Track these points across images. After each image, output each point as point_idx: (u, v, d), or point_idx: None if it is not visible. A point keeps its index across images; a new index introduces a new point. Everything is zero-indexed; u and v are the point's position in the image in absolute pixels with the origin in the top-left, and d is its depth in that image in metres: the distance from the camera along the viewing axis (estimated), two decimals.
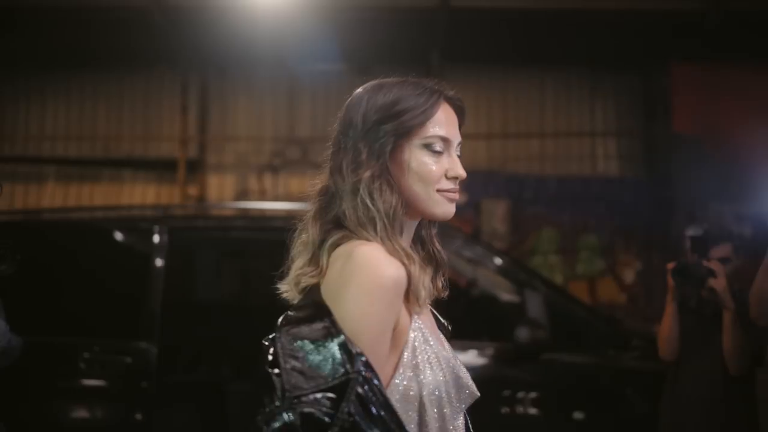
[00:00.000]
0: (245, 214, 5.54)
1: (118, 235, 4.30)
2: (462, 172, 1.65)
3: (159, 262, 4.14)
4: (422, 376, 1.50)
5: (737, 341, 3.32)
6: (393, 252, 1.52)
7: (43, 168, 9.79)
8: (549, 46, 9.10)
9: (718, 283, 3.35)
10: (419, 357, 1.51)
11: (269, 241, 4.47)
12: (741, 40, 8.50)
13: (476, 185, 9.45)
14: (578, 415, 4.24)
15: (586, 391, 4.33)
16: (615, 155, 9.91)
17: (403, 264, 1.51)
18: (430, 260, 1.71)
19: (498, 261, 4.92)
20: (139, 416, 3.97)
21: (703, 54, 8.97)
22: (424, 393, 1.50)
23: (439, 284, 1.71)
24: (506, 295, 5.03)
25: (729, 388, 3.36)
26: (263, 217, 5.02)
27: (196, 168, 9.66)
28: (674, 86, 9.43)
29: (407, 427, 1.44)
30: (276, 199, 9.60)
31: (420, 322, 1.56)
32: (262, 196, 9.66)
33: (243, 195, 9.70)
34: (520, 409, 4.20)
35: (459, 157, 1.69)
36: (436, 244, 1.75)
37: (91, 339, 4.01)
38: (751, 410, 3.36)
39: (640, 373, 4.33)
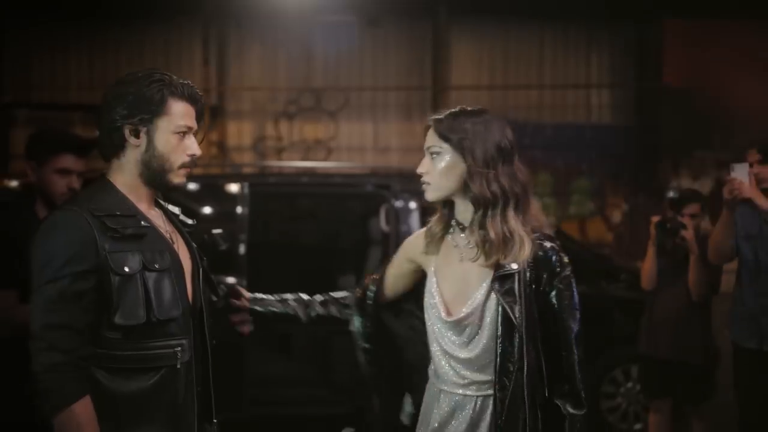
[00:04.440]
0: (309, 171, 6.86)
1: (212, 188, 5.60)
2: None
3: (244, 211, 5.46)
4: None
5: (699, 276, 4.68)
6: None
7: (69, 114, 10.85)
8: (548, 1, 10.21)
9: (688, 234, 4.71)
10: None
11: (329, 194, 5.78)
12: None
13: None
14: None
15: (582, 315, 5.81)
16: (608, 105, 11.21)
17: None
18: None
19: None
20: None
21: (694, 10, 10.12)
22: None
23: None
24: None
25: (692, 310, 4.75)
26: (324, 174, 6.31)
27: (215, 115, 10.82)
28: (665, 40, 10.67)
29: None
30: (292, 144, 10.91)
31: None
32: (279, 142, 10.93)
33: (260, 140, 10.96)
34: None
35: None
36: None
37: None
38: (707, 326, 4.79)
39: (625, 301, 5.83)
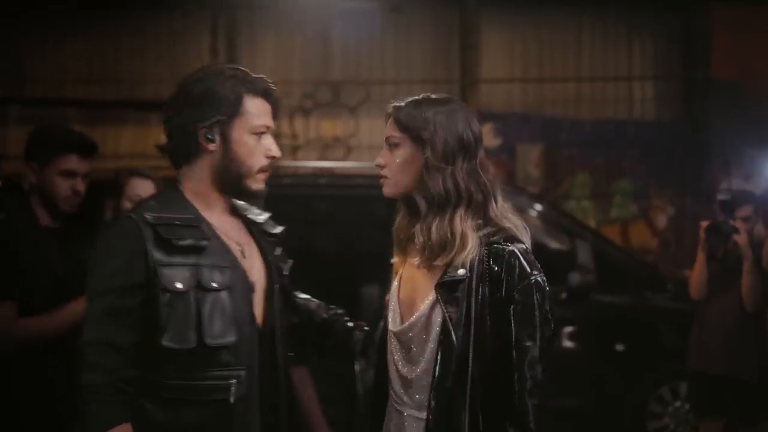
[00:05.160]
0: (327, 171, 6.95)
1: None
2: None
3: None
4: None
5: (754, 285, 4.74)
6: None
7: (66, 111, 10.92)
8: None
9: (741, 239, 4.76)
10: None
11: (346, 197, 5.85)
12: None
13: (511, 129, 10.81)
14: (620, 347, 5.82)
15: (627, 326, 5.91)
16: (652, 98, 11.24)
17: None
18: None
19: (539, 208, 6.40)
20: None
21: None
22: None
23: None
24: (553, 242, 6.46)
25: (745, 321, 4.80)
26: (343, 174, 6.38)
27: None
28: (714, 28, 10.68)
29: None
30: (308, 142, 11.01)
31: None
32: (294, 140, 11.02)
33: (274, 138, 11.04)
34: (568, 344, 5.74)
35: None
36: None
37: None
38: (762, 339, 4.83)
39: (672, 312, 5.89)
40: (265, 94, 2.35)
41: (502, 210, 2.36)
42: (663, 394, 5.87)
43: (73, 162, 3.30)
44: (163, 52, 11.09)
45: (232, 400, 2.22)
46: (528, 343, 2.22)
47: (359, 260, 6.14)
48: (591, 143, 11.07)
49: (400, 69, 11.10)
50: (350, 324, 2.65)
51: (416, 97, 2.40)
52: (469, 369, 2.22)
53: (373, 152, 10.45)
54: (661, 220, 11.32)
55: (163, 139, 2.39)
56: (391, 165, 2.37)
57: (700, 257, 4.95)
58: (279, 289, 2.43)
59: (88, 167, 3.37)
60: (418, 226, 2.36)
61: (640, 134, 11.11)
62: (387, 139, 2.39)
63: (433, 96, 2.41)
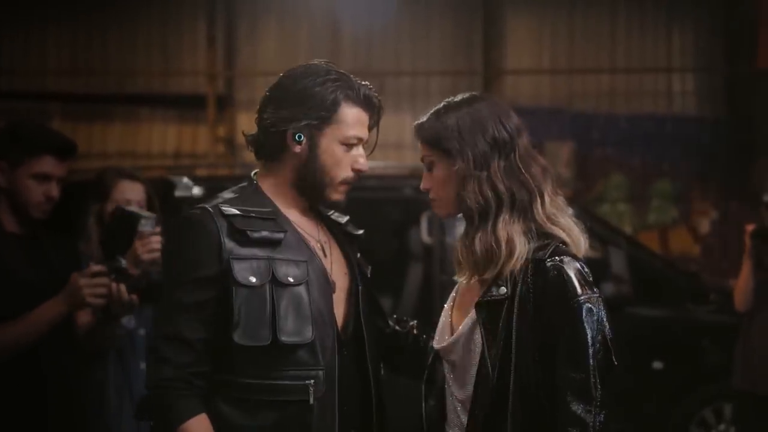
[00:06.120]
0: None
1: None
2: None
3: None
4: None
5: None
6: None
7: (48, 105, 10.97)
8: None
9: None
10: None
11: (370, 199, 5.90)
12: None
13: (538, 125, 10.78)
14: (657, 365, 5.85)
15: (665, 342, 5.94)
16: (693, 92, 11.26)
17: None
18: None
19: (569, 212, 6.46)
20: None
21: None
22: None
23: None
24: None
25: None
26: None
27: (223, 106, 10.97)
28: (760, 17, 10.65)
29: None
30: None
31: None
32: None
33: None
34: None
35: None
36: None
37: None
38: None
39: (716, 326, 5.93)
40: (366, 104, 2.43)
41: (552, 211, 2.33)
42: (706, 416, 5.91)
43: (48, 164, 3.23)
44: (155, 40, 11.14)
45: (309, 401, 2.30)
46: (576, 375, 2.15)
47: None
48: (626, 141, 11.10)
49: (417, 59, 11.13)
50: (424, 338, 2.66)
51: (437, 107, 2.43)
52: (509, 400, 2.20)
53: (387, 151, 10.62)
54: (704, 225, 11.32)
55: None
56: (434, 186, 2.42)
57: (747, 265, 5.00)
58: (363, 290, 2.52)
59: (65, 170, 3.31)
60: (460, 242, 2.40)
61: (680, 131, 11.12)
62: (422, 160, 2.45)
63: (455, 99, 2.43)
